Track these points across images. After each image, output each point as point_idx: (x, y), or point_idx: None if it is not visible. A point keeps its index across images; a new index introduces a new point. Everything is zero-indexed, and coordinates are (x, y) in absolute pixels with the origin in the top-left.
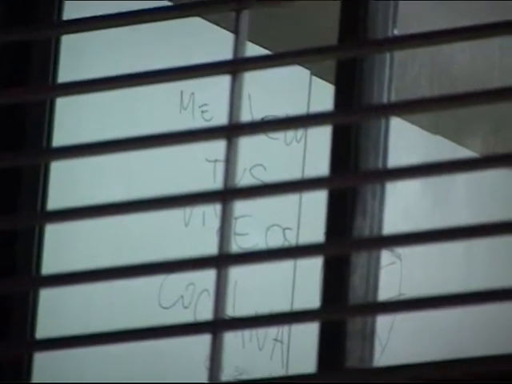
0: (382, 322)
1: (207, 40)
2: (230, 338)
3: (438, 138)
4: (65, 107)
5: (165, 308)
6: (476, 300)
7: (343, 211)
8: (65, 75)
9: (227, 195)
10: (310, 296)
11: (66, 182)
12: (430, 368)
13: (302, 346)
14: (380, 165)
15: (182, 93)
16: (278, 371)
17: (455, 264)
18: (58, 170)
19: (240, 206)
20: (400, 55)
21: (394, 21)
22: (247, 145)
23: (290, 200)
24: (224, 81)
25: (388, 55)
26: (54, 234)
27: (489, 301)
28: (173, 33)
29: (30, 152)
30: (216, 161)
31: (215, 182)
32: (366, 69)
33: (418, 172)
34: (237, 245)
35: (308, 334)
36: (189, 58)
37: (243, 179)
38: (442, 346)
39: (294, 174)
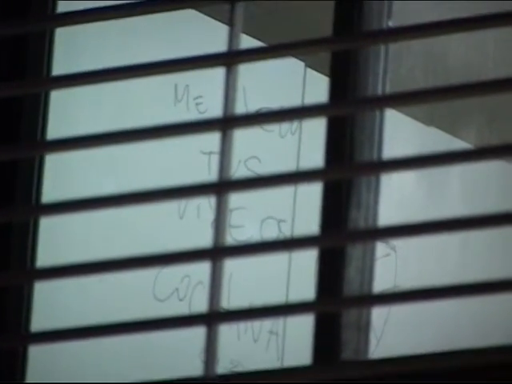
0: (377, 313)
1: (202, 32)
2: (225, 331)
3: (433, 130)
4: (59, 100)
5: (160, 300)
6: (471, 292)
7: (338, 203)
8: (59, 68)
9: (222, 187)
10: (305, 288)
11: (60, 175)
12: (426, 360)
13: (297, 338)
14: (375, 157)
15: (176, 85)
16: (273, 363)
17: (450, 255)
18: (52, 163)
19: (235, 199)
20: (395, 47)
21: (388, 16)
22: (242, 137)
23: (284, 192)
24: (218, 73)
25: (383, 47)
26: (49, 227)
27: (484, 292)
28: (167, 25)
29: (25, 145)
30: (211, 153)
31: (210, 175)
32: (360, 61)
33: (412, 164)
34: (232, 237)
35: (303, 326)
36: (183, 51)
37: (238, 171)
38: (438, 337)
39: (288, 166)
